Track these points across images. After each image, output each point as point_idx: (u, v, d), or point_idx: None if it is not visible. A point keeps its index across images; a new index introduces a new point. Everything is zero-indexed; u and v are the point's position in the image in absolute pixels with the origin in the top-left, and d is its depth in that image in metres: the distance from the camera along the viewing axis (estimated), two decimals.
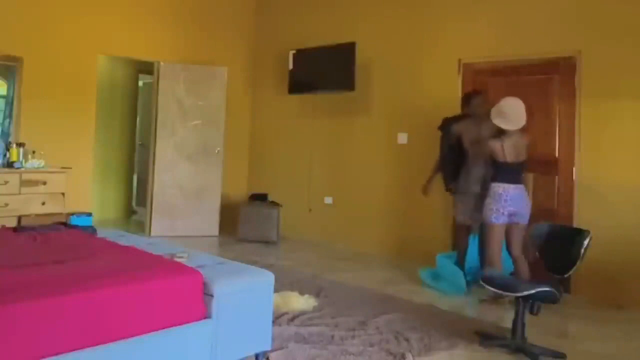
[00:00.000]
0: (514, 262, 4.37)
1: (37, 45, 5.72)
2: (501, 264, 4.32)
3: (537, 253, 3.55)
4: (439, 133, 4.97)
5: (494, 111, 4.33)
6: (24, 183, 5.26)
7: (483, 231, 4.54)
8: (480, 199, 4.53)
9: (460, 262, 4.83)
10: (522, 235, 4.34)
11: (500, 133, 4.31)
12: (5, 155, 5.42)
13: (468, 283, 4.67)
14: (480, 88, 5.03)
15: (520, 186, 4.31)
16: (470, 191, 4.68)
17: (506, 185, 4.26)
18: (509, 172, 4.29)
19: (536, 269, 4.08)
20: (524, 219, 4.32)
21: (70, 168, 5.65)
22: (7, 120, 5.61)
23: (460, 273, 4.68)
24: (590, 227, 3.46)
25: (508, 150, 4.29)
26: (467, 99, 4.86)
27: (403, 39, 5.99)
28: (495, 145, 4.32)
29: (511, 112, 4.28)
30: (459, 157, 4.79)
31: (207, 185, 6.83)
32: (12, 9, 5.57)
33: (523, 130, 4.35)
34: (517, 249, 4.34)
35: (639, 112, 4.48)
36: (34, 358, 2.02)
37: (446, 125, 4.93)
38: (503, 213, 4.24)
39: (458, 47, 5.53)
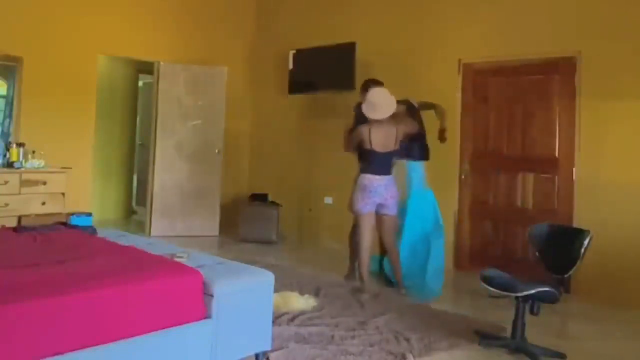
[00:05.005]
0: (387, 250, 4.56)
1: (37, 45, 5.72)
2: (368, 253, 4.46)
3: (537, 253, 3.55)
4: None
5: (365, 101, 4.41)
6: (24, 183, 5.26)
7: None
8: None
9: (352, 255, 4.87)
10: (392, 226, 4.51)
11: (371, 122, 4.41)
12: (5, 155, 5.41)
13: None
14: (379, 79, 4.95)
15: (387, 177, 4.43)
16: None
17: (371, 177, 4.40)
18: (376, 163, 4.41)
19: (536, 269, 4.07)
20: (390, 210, 4.46)
21: (70, 168, 5.65)
22: (7, 120, 5.61)
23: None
24: (590, 227, 3.46)
25: (376, 139, 4.38)
26: (365, 86, 4.81)
27: (403, 39, 5.99)
28: (363, 130, 4.41)
29: (377, 102, 4.38)
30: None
31: (207, 185, 6.83)
32: (12, 9, 5.56)
33: (395, 120, 4.44)
34: (389, 237, 4.52)
35: (639, 112, 4.48)
36: (34, 358, 2.02)
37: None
38: (367, 203, 4.40)
39: (458, 47, 5.53)
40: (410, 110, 4.77)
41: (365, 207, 4.42)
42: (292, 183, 6.97)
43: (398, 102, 4.65)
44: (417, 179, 4.75)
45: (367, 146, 4.42)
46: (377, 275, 4.91)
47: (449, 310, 4.10)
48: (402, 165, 4.71)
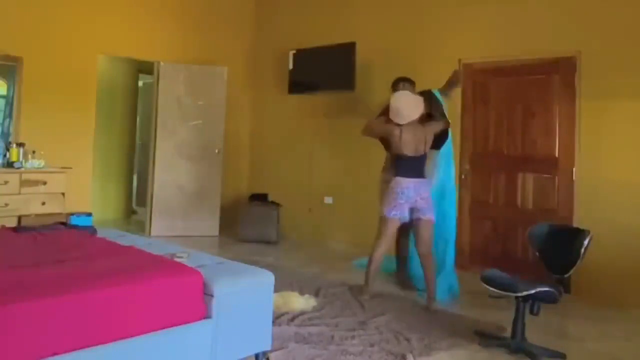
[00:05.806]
0: (421, 259, 4.28)
1: (37, 45, 5.72)
2: (380, 258, 4.32)
3: (537, 253, 3.55)
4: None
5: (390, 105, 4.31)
6: (24, 183, 5.26)
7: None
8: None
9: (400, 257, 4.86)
10: (428, 231, 4.24)
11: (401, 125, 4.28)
12: (5, 155, 5.41)
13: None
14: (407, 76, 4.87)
15: (419, 179, 4.23)
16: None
17: (401, 179, 4.22)
18: (407, 166, 4.24)
19: (536, 269, 4.07)
20: (424, 212, 4.22)
21: (71, 168, 5.65)
22: (7, 120, 5.61)
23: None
24: (590, 227, 3.46)
25: (406, 142, 4.23)
26: (394, 86, 4.75)
27: (403, 39, 5.99)
28: (394, 132, 4.26)
29: (400, 107, 4.26)
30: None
31: (207, 185, 6.83)
32: (12, 9, 5.56)
33: (422, 122, 4.30)
34: (423, 246, 4.25)
35: (638, 112, 4.48)
36: (33, 358, 2.02)
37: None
38: (395, 206, 4.21)
39: (458, 47, 5.53)
40: (430, 102, 4.53)
41: (391, 211, 4.22)
42: (292, 183, 6.97)
43: (420, 93, 4.51)
44: (443, 173, 4.53)
45: (398, 150, 4.26)
46: (387, 275, 4.93)
47: (449, 310, 4.10)
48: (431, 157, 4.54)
